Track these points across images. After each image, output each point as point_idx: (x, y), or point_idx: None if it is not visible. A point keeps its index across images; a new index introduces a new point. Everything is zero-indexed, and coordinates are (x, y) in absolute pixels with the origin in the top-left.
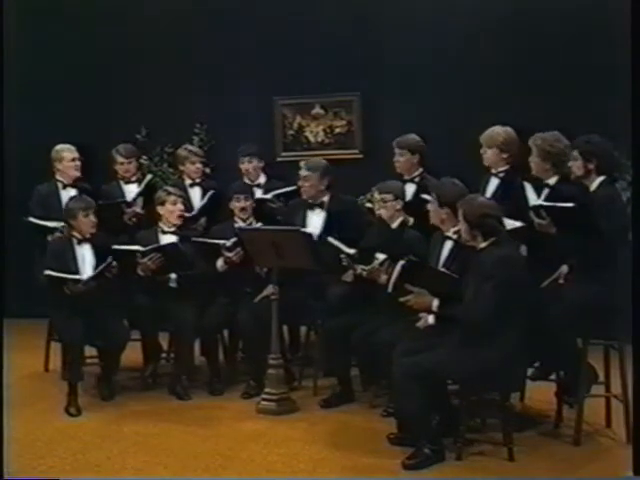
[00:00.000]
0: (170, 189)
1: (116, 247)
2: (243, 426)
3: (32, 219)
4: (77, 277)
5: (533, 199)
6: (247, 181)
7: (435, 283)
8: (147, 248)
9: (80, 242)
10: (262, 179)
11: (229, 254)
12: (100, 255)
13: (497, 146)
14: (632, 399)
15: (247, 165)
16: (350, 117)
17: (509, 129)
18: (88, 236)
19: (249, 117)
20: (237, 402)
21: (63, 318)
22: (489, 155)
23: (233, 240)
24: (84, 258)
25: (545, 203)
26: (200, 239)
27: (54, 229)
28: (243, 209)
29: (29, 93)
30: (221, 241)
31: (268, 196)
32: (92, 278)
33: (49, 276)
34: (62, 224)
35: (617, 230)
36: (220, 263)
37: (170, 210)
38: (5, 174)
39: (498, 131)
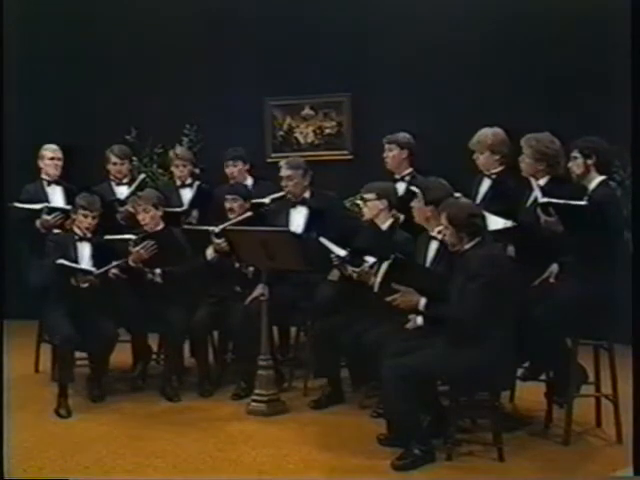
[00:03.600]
0: (141, 195)
1: (109, 237)
2: (233, 427)
3: (17, 204)
4: (90, 269)
5: (539, 197)
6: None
7: (422, 281)
8: (140, 235)
9: (81, 239)
10: (249, 181)
11: (218, 241)
12: (97, 255)
13: (488, 150)
14: (632, 399)
15: (232, 169)
16: (340, 118)
17: (497, 130)
18: (89, 235)
19: (239, 118)
20: (227, 403)
21: (53, 319)
22: (482, 160)
23: (222, 226)
24: (82, 256)
25: (555, 200)
26: (190, 227)
27: (39, 211)
28: (231, 210)
29: (29, 93)
30: (210, 227)
31: (266, 200)
32: (103, 273)
33: (61, 265)
34: (45, 205)
35: (615, 230)
36: (210, 251)
37: (142, 218)
38: (5, 174)
39: (486, 134)
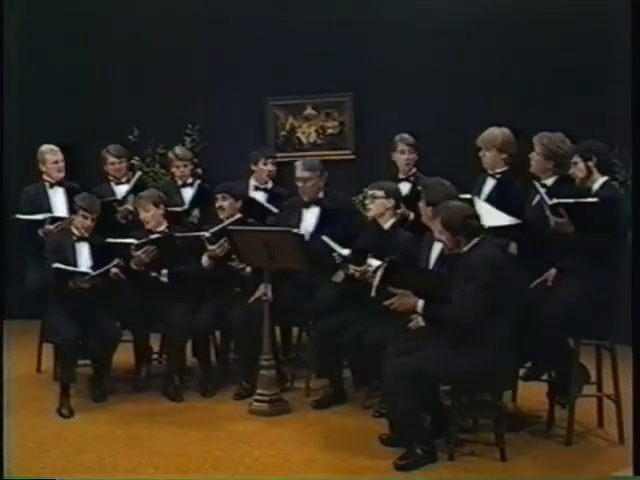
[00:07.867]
0: (142, 195)
1: (110, 240)
2: (235, 427)
3: (20, 215)
4: (86, 271)
5: (547, 199)
6: (256, 183)
7: (418, 283)
8: (141, 241)
9: (79, 240)
10: (270, 184)
11: (212, 247)
12: (97, 254)
13: (495, 148)
14: (632, 399)
15: (270, 167)
16: (342, 118)
17: (506, 130)
18: (86, 235)
19: (241, 118)
20: (229, 403)
21: (56, 319)
22: (488, 158)
23: (212, 231)
24: (81, 255)
25: (565, 200)
26: (183, 233)
27: (43, 222)
28: (220, 208)
29: (29, 93)
30: (201, 233)
31: (274, 210)
32: (99, 274)
33: (57, 269)
34: (49, 215)
35: (619, 229)
36: (205, 259)
37: (143, 217)
38: (5, 174)
39: (496, 133)
